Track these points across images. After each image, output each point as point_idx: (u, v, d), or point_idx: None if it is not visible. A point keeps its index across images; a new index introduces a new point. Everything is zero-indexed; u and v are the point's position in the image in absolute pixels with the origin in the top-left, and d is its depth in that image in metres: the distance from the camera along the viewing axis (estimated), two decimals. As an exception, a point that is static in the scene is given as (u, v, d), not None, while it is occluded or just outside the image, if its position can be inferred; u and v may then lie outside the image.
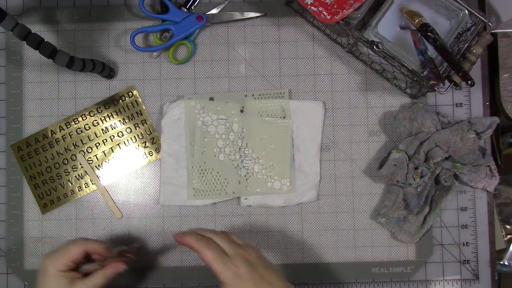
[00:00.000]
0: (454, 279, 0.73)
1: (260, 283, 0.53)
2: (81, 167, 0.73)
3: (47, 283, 0.58)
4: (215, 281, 0.72)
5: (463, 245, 0.73)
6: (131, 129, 0.74)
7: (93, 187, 0.73)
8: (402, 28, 0.69)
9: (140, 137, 0.74)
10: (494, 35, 0.75)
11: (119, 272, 0.60)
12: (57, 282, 0.58)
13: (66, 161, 0.73)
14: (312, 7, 0.65)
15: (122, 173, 0.74)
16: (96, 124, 0.74)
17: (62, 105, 0.74)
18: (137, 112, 0.74)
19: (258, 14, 0.74)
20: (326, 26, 0.73)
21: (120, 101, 0.74)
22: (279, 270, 0.72)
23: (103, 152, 0.74)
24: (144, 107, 0.74)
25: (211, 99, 0.73)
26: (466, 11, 0.67)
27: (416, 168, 0.70)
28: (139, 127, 0.74)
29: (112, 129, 0.74)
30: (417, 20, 0.64)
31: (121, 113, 0.74)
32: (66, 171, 0.73)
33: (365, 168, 0.73)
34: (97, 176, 0.73)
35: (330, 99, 0.74)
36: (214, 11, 0.74)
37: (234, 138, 0.73)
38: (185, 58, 0.74)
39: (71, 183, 0.73)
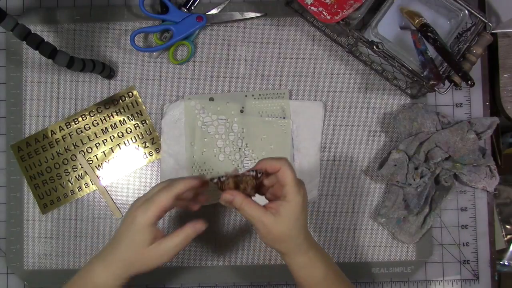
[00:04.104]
0: (454, 279, 0.73)
1: (306, 213, 0.58)
2: (81, 167, 0.73)
3: (133, 236, 0.53)
4: (215, 281, 0.73)
5: (463, 245, 0.73)
6: (131, 129, 0.74)
7: (93, 187, 0.73)
8: (402, 28, 0.69)
9: (140, 137, 0.74)
10: (494, 35, 0.75)
11: (198, 232, 0.55)
12: (143, 236, 0.53)
13: (66, 161, 0.73)
14: (312, 8, 0.65)
15: (122, 173, 0.74)
16: (96, 124, 0.74)
17: (62, 105, 0.74)
18: (137, 112, 0.74)
19: (258, 14, 0.74)
20: (326, 26, 0.73)
21: (120, 101, 0.74)
22: (279, 270, 0.72)
23: (103, 152, 0.74)
24: (144, 107, 0.74)
25: (211, 99, 0.73)
26: (466, 11, 0.67)
27: (416, 168, 0.70)
28: (139, 127, 0.74)
29: (112, 129, 0.74)
30: (417, 20, 0.64)
31: (121, 113, 0.74)
32: (66, 171, 0.73)
33: (365, 168, 0.73)
34: (97, 176, 0.73)
35: (330, 99, 0.74)
36: (214, 11, 0.74)
37: (234, 138, 0.73)
38: (185, 58, 0.74)
39: (71, 183, 0.73)
